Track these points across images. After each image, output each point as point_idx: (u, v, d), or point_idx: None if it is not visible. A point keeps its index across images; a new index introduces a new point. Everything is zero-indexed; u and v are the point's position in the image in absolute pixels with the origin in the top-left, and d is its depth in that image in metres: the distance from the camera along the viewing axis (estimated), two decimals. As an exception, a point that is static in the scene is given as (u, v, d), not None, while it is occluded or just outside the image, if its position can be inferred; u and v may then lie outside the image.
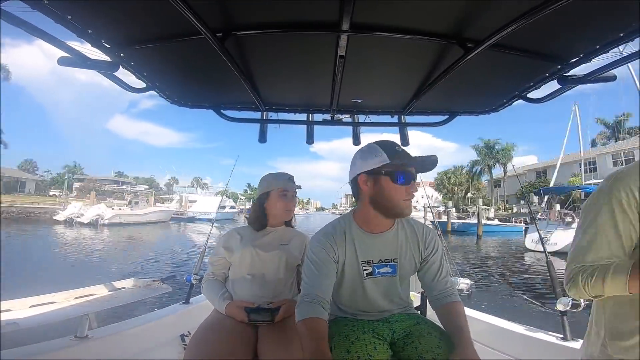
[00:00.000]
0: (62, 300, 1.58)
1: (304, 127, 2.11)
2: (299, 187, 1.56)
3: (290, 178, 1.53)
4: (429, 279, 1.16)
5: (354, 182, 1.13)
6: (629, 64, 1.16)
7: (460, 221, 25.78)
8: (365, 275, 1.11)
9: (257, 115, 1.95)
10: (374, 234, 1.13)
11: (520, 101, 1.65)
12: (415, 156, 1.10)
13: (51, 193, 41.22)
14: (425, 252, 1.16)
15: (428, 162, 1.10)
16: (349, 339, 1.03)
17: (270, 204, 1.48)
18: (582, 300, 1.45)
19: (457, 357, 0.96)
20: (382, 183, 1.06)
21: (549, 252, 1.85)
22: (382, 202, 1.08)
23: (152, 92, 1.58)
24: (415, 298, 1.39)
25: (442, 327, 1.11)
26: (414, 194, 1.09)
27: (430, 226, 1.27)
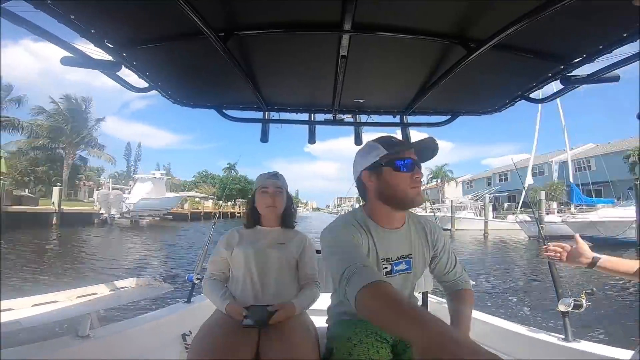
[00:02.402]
0: (64, 299, 1.58)
1: (302, 127, 2.11)
2: (279, 181, 1.51)
3: (272, 175, 1.53)
4: (441, 272, 1.20)
5: (359, 181, 1.12)
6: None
7: None
8: (384, 274, 1.07)
9: (259, 115, 1.95)
10: (390, 229, 1.10)
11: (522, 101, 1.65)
12: (413, 141, 1.08)
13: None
14: (435, 247, 1.18)
15: (428, 146, 1.07)
16: (351, 341, 1.02)
17: (256, 203, 1.51)
18: (584, 301, 1.45)
19: None
20: (385, 175, 1.05)
21: None
22: (390, 194, 1.05)
23: (144, 93, 1.57)
24: (417, 298, 1.39)
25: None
26: (420, 180, 1.05)
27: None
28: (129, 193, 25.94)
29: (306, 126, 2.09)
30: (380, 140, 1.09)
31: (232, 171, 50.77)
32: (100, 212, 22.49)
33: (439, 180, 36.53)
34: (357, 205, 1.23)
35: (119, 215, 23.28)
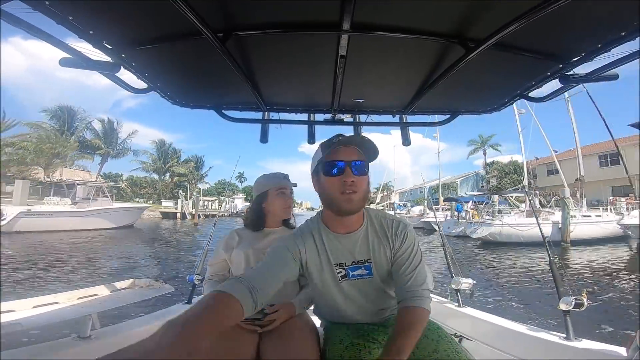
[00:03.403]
0: (65, 300, 1.58)
1: (296, 126, 2.12)
2: (295, 185, 1.58)
3: (286, 176, 1.56)
4: (396, 271, 1.05)
5: None
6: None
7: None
8: (340, 279, 1.06)
9: (258, 115, 1.95)
10: (342, 234, 1.07)
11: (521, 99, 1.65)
12: (343, 138, 1.02)
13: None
14: (395, 245, 1.07)
15: (363, 145, 1.02)
16: (342, 343, 1.02)
17: (269, 203, 1.51)
18: (585, 299, 1.45)
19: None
20: (320, 179, 1.04)
21: None
22: (324, 199, 1.03)
23: (136, 93, 1.56)
24: None
25: (441, 331, 1.06)
26: (351, 182, 0.97)
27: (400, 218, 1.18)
28: (234, 202, 50.60)
29: (302, 126, 2.09)
30: (322, 143, 1.06)
31: (243, 178, 71.89)
32: (227, 211, 44.11)
33: (386, 192, 51.59)
34: None
35: (234, 213, 42.39)
